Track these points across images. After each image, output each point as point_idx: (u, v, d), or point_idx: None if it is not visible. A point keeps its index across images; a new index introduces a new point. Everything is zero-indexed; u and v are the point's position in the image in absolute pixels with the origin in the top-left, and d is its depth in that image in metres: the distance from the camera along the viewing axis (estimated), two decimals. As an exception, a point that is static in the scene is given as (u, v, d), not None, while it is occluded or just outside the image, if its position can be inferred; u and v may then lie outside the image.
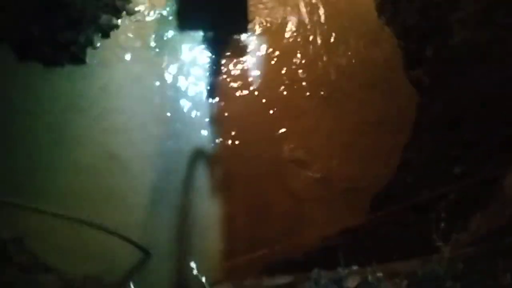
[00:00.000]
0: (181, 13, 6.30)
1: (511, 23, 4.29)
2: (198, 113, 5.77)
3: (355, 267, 2.78)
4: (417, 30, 5.61)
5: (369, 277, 2.56)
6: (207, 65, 6.14)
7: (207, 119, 5.72)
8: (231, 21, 6.35)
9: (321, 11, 6.47)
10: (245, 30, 6.30)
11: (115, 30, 6.20)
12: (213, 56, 6.22)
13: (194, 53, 6.22)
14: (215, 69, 6.12)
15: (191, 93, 5.91)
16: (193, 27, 6.34)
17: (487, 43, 4.51)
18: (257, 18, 6.48)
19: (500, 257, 2.55)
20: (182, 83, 5.96)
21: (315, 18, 6.46)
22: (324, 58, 6.13)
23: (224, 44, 6.30)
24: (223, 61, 6.19)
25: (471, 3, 4.91)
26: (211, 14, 6.14)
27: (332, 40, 6.26)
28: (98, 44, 6.05)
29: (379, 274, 2.58)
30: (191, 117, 5.75)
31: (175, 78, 5.97)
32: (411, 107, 5.59)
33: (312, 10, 6.51)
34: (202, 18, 6.24)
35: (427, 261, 2.64)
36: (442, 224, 2.86)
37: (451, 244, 2.58)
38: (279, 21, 6.48)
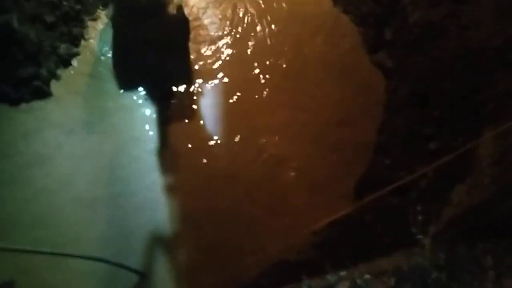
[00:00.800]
0: (118, 71, 6.06)
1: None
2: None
3: (343, 273, 2.81)
4: (373, 16, 5.69)
5: (358, 281, 2.60)
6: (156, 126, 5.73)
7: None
8: (173, 73, 6.05)
9: (269, 18, 6.53)
10: (189, 80, 6.01)
11: (76, 58, 6.16)
12: (161, 115, 5.77)
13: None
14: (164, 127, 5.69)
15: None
16: (133, 85, 5.97)
17: (441, 19, 4.61)
18: (201, 61, 6.23)
19: (478, 240, 2.61)
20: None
21: (266, 30, 6.46)
22: (286, 64, 6.11)
23: (169, 99, 5.90)
24: (173, 119, 5.76)
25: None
26: (150, 69, 5.99)
27: (290, 42, 6.28)
28: (61, 74, 5.99)
29: (367, 276, 2.62)
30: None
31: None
32: (380, 91, 5.67)
33: (259, 26, 6.52)
34: (141, 74, 6.01)
35: (411, 255, 2.68)
36: (423, 206, 2.91)
37: (430, 234, 2.62)
38: (226, 56, 6.30)
